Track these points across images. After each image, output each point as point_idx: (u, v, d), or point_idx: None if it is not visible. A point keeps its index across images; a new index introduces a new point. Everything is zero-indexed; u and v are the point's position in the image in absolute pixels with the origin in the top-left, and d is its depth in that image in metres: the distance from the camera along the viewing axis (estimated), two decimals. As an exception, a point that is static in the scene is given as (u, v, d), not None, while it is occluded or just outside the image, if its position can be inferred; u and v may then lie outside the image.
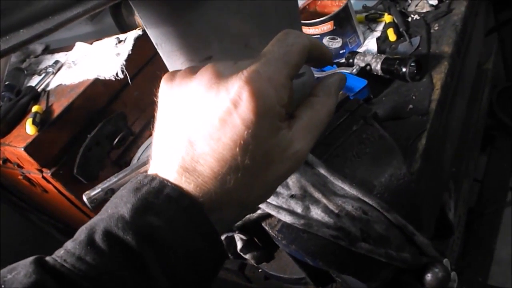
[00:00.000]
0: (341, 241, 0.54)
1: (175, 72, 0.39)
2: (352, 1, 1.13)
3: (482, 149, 1.83)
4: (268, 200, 0.58)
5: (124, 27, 1.59)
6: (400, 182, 0.59)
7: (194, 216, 0.34)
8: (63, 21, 0.34)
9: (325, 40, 1.10)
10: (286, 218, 0.56)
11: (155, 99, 0.40)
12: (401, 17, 1.13)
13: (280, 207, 0.57)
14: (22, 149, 1.19)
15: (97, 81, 1.35)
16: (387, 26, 1.13)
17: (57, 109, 1.28)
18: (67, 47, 1.63)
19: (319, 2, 1.17)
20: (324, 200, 0.56)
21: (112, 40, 1.49)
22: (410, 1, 1.20)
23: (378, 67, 0.97)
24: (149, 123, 1.47)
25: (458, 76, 1.05)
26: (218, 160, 0.33)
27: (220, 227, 0.35)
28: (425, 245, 0.57)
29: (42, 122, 1.24)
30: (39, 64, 1.65)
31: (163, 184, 0.34)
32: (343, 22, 1.08)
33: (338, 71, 1.05)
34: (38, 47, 1.77)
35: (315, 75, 0.97)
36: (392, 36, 1.10)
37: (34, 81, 1.52)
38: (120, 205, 0.33)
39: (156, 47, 0.49)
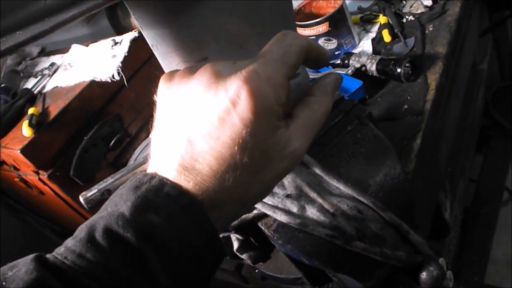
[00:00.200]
0: (337, 240, 0.54)
1: (173, 72, 0.39)
2: (347, 3, 1.14)
3: (477, 149, 1.83)
4: (264, 200, 0.58)
5: (120, 29, 1.59)
6: (395, 182, 0.60)
7: (194, 213, 0.34)
8: (59, 22, 0.34)
9: (321, 41, 1.10)
10: (282, 217, 0.56)
11: (154, 99, 0.40)
12: (396, 18, 1.14)
13: (276, 206, 0.57)
14: (19, 151, 1.19)
15: (93, 83, 1.35)
16: (382, 27, 1.14)
17: (54, 111, 1.28)
18: (63, 49, 1.63)
19: (314, 3, 1.17)
20: (320, 200, 0.56)
21: (108, 42, 1.49)
22: (404, 2, 1.21)
23: (373, 68, 0.98)
24: (145, 125, 1.48)
25: (452, 77, 1.06)
26: (217, 158, 0.34)
27: (219, 225, 0.36)
28: (420, 244, 0.58)
29: (38, 124, 1.24)
30: (35, 67, 1.65)
31: (163, 182, 0.34)
32: (338, 23, 1.08)
33: (334, 72, 1.05)
34: (34, 49, 1.77)
35: (311, 76, 0.98)
36: (387, 37, 1.11)
37: (30, 84, 1.52)
38: (120, 203, 0.34)
39: (152, 48, 0.49)
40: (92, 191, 0.54)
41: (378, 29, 1.17)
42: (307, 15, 1.16)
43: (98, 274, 0.31)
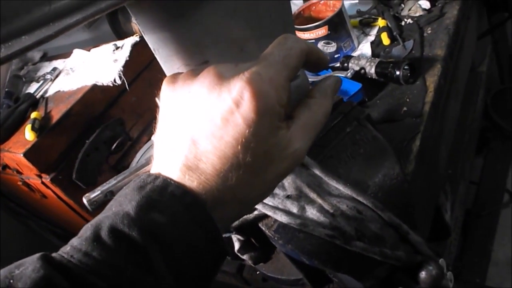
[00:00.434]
0: (337, 240, 0.55)
1: (177, 75, 0.40)
2: (346, 6, 1.15)
3: (478, 151, 1.84)
4: (264, 201, 0.59)
5: (121, 34, 1.60)
6: (393, 182, 0.60)
7: (197, 213, 0.35)
8: (64, 27, 0.35)
9: (320, 45, 1.11)
10: (282, 218, 0.57)
11: (156, 102, 0.41)
12: (395, 21, 1.15)
13: (276, 207, 0.58)
14: (22, 155, 1.20)
15: (95, 87, 1.36)
16: (381, 30, 1.15)
17: (56, 115, 1.29)
18: (65, 54, 1.64)
19: (314, 7, 1.18)
20: (319, 200, 0.57)
21: (109, 46, 1.50)
22: (403, 6, 1.22)
23: (372, 70, 0.99)
24: (146, 128, 1.49)
25: (451, 79, 1.06)
26: (220, 157, 0.35)
27: (221, 224, 0.36)
28: (419, 244, 0.58)
29: (41, 128, 1.25)
30: (37, 71, 1.66)
31: (167, 182, 0.35)
32: (337, 27, 1.09)
33: (333, 75, 1.06)
34: (36, 54, 1.78)
35: (311, 80, 0.99)
36: (386, 40, 1.12)
37: (32, 88, 1.53)
38: (125, 202, 0.34)
39: (153, 52, 0.50)
40: (95, 193, 0.55)
41: (377, 32, 1.17)
42: (306, 19, 1.17)
43: (104, 272, 0.32)
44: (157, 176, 0.36)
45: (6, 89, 1.49)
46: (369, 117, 0.67)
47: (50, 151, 1.26)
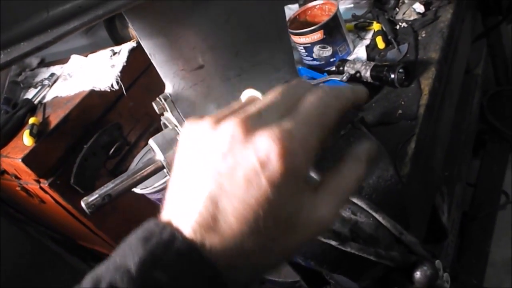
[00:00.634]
0: (332, 241, 0.55)
1: (197, 123, 0.37)
2: (341, 11, 1.16)
3: (474, 153, 1.85)
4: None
5: (118, 40, 1.61)
6: (388, 183, 0.61)
7: (204, 273, 0.32)
8: (62, 33, 0.36)
9: (316, 49, 1.12)
10: (278, 220, 0.57)
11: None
12: (389, 25, 1.16)
13: (272, 209, 0.58)
14: (20, 160, 1.21)
15: (92, 93, 1.37)
16: (376, 34, 1.16)
17: (54, 120, 1.30)
18: (63, 60, 1.65)
19: (309, 12, 1.19)
20: (315, 202, 0.57)
21: (107, 52, 1.51)
22: (397, 10, 1.23)
23: (368, 74, 1.00)
24: (144, 133, 1.49)
25: (445, 81, 1.07)
26: (239, 220, 0.32)
27: None
28: (413, 244, 0.59)
29: (39, 133, 1.26)
30: (35, 77, 1.67)
31: (174, 236, 0.32)
32: (333, 31, 1.10)
33: (329, 78, 1.07)
34: (33, 60, 1.79)
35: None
36: (381, 44, 1.13)
37: (30, 94, 1.54)
38: (129, 255, 0.32)
39: (150, 57, 0.51)
40: (93, 196, 0.55)
41: (372, 36, 1.18)
42: (302, 23, 1.18)
43: None
44: (165, 227, 0.33)
45: (4, 95, 1.50)
46: (363, 119, 0.67)
47: (48, 156, 1.27)
